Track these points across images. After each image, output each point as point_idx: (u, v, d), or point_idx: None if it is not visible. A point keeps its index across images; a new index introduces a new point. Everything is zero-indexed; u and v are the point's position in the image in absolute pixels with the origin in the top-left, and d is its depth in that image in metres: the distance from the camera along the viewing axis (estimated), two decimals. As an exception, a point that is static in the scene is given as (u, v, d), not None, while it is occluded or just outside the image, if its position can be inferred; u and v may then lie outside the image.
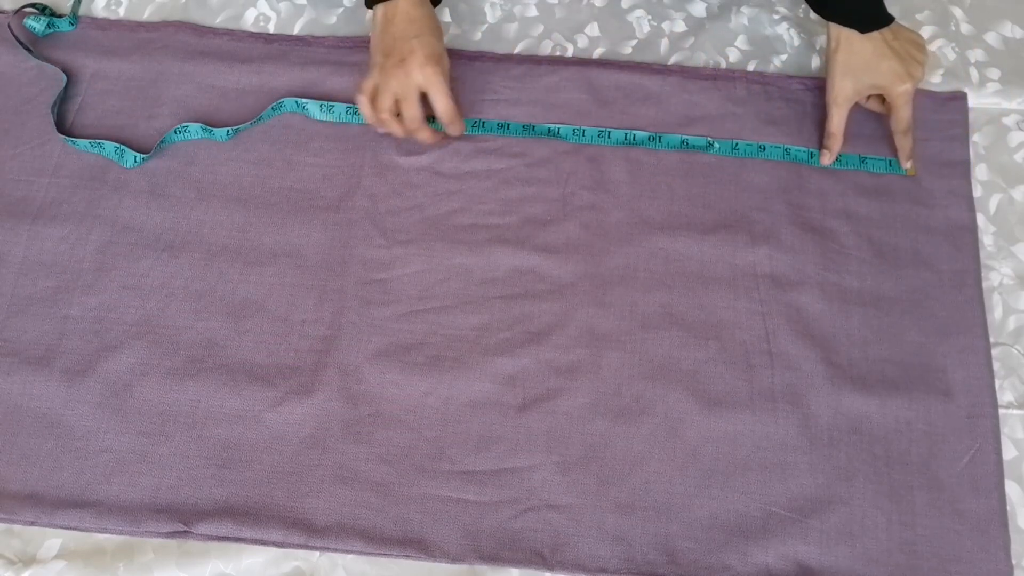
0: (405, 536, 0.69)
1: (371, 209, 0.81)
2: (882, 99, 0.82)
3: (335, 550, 0.68)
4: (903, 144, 0.81)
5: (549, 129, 0.84)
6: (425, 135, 0.81)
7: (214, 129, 0.83)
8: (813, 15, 0.91)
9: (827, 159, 0.82)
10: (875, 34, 0.78)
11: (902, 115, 0.80)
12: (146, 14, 0.91)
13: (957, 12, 0.91)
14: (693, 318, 0.76)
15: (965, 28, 0.91)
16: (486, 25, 0.91)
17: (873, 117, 0.84)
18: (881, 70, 0.78)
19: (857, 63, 0.79)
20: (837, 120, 0.81)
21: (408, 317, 0.76)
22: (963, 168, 0.83)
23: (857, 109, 0.83)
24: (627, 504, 0.70)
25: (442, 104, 0.78)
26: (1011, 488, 0.71)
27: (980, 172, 0.84)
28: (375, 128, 0.81)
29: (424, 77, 0.77)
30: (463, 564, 0.68)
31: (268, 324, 0.76)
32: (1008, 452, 0.72)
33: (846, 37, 0.79)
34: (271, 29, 0.90)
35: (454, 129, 0.81)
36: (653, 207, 0.81)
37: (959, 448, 0.72)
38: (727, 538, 0.69)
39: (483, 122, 0.84)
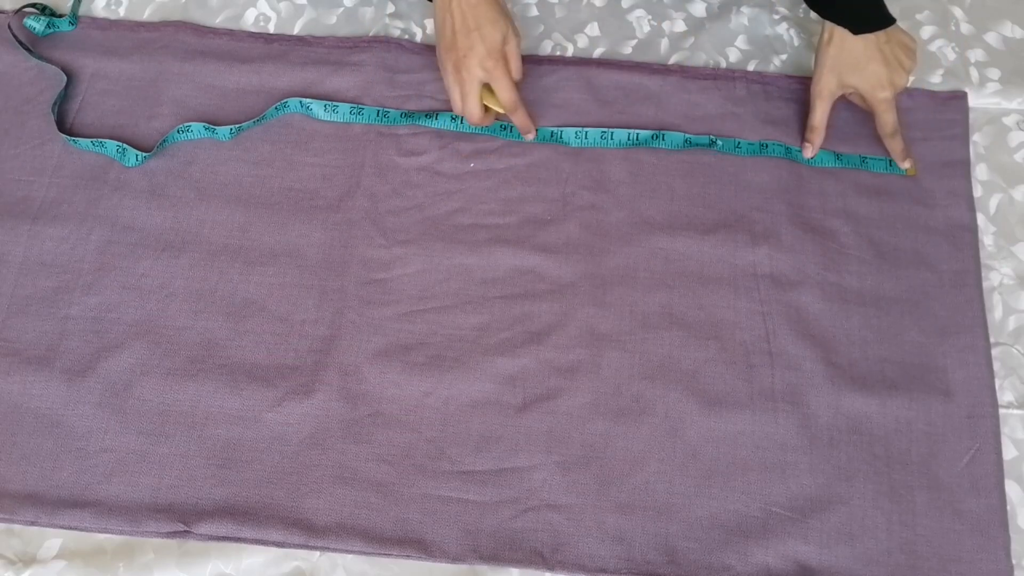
0: (405, 536, 0.69)
1: (371, 209, 0.81)
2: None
3: (335, 550, 0.68)
4: (893, 146, 0.81)
5: (552, 132, 0.84)
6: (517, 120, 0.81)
7: (216, 128, 0.83)
8: (813, 14, 0.91)
9: (809, 152, 0.82)
10: (869, 35, 0.78)
11: (884, 120, 0.80)
12: (146, 14, 0.91)
13: (957, 12, 0.91)
14: (693, 318, 0.76)
15: (965, 28, 0.91)
16: (486, 25, 0.91)
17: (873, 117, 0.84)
18: (866, 73, 0.78)
19: (845, 60, 0.79)
20: (820, 114, 0.81)
21: (408, 317, 0.76)
22: (963, 168, 0.83)
23: (859, 110, 0.83)
24: (627, 504, 0.70)
25: (505, 96, 0.78)
26: (1011, 488, 0.71)
27: (980, 172, 0.84)
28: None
29: (485, 72, 0.77)
30: (463, 564, 0.68)
31: (268, 324, 0.76)
32: (1008, 452, 0.72)
33: (839, 33, 0.78)
34: (271, 29, 0.90)
35: (517, 119, 0.80)
36: (653, 207, 0.81)
37: (959, 448, 0.72)
38: (727, 538, 0.69)
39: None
